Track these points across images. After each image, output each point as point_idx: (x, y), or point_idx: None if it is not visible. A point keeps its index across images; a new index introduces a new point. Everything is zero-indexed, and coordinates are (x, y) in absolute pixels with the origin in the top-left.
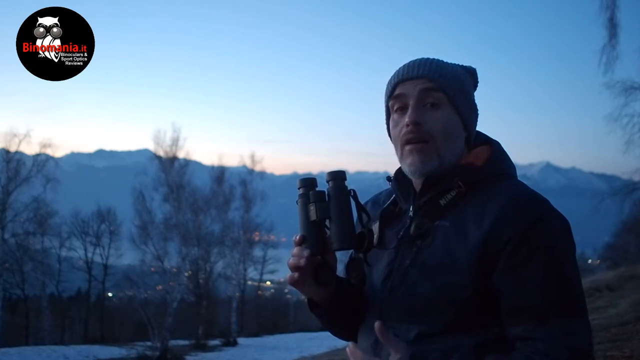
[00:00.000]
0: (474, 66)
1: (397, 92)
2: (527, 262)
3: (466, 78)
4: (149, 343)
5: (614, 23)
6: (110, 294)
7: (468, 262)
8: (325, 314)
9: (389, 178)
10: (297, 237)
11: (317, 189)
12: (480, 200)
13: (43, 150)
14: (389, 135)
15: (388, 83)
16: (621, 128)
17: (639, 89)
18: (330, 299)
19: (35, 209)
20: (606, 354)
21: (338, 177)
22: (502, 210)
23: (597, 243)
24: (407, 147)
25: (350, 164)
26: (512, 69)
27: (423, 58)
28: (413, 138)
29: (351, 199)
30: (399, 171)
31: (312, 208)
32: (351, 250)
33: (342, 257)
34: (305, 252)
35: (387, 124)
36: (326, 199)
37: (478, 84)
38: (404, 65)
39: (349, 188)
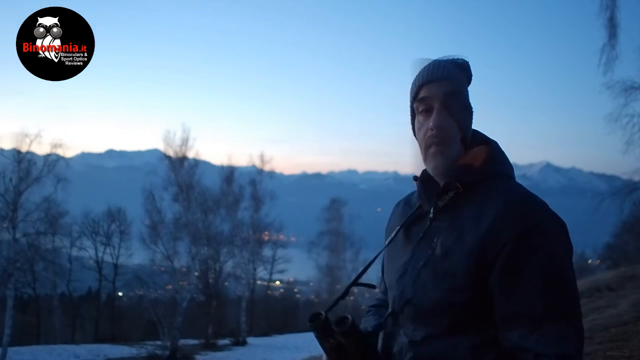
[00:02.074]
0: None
1: (421, 94)
2: (523, 266)
3: (458, 76)
4: (159, 342)
5: (613, 23)
6: (120, 294)
7: (466, 265)
8: None
9: (415, 178)
10: None
11: (328, 333)
12: (477, 202)
13: (54, 151)
14: (415, 135)
15: (412, 84)
16: (621, 128)
17: (639, 89)
18: None
19: (46, 209)
20: (606, 354)
21: (348, 328)
22: (500, 213)
23: (597, 243)
24: (432, 150)
25: (360, 164)
26: (511, 69)
27: (443, 59)
28: (438, 141)
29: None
30: (425, 172)
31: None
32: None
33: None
34: None
35: (412, 124)
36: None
37: (471, 77)
38: (427, 66)
39: (350, 319)
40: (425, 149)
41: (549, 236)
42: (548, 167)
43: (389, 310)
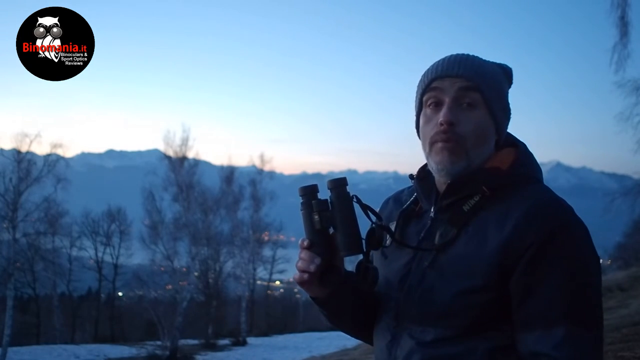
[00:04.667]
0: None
1: (433, 86)
2: (545, 269)
3: (503, 79)
4: (158, 342)
5: (625, 21)
6: (120, 294)
7: (487, 267)
8: (329, 306)
9: (411, 176)
10: (305, 242)
11: (318, 196)
12: (503, 205)
13: (54, 151)
14: (417, 129)
15: (424, 76)
16: (632, 127)
17: None
18: (334, 296)
19: (46, 209)
20: (617, 354)
21: (339, 184)
22: (525, 215)
23: (608, 243)
24: (438, 145)
25: (360, 164)
26: (522, 66)
27: (463, 55)
28: (445, 137)
29: (355, 204)
30: (422, 170)
31: (316, 218)
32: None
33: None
34: (316, 261)
35: (417, 117)
36: (329, 207)
37: (512, 84)
38: (442, 60)
39: (351, 194)
40: (431, 144)
41: (574, 240)
42: (558, 167)
43: (390, 312)
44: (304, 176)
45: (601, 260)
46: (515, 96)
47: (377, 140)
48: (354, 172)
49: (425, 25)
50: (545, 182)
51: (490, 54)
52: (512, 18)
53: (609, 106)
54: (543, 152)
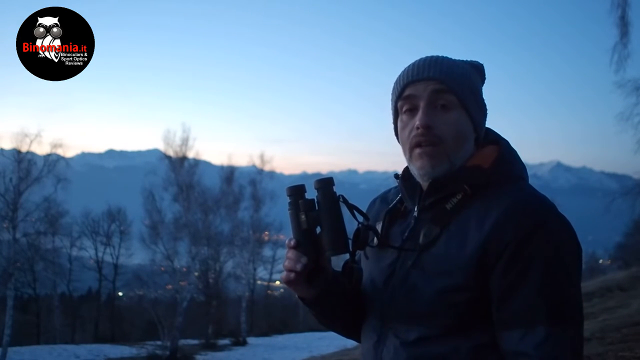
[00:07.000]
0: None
1: (406, 93)
2: (524, 267)
3: (475, 76)
4: (159, 342)
5: (625, 21)
6: (120, 294)
7: (467, 265)
8: (317, 307)
9: (396, 176)
10: (292, 242)
11: (305, 196)
12: (484, 203)
13: (54, 150)
14: (396, 135)
15: (396, 83)
16: (632, 127)
17: None
18: (322, 296)
19: (46, 209)
20: (617, 354)
21: (325, 184)
22: (504, 213)
23: (608, 243)
24: (417, 151)
25: (360, 163)
26: (523, 66)
27: (432, 57)
28: (423, 141)
29: (342, 204)
30: (407, 170)
31: (302, 217)
32: (346, 255)
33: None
34: (303, 260)
35: (395, 124)
36: (316, 207)
37: (485, 80)
38: (413, 65)
39: (337, 194)
40: (411, 149)
41: (554, 238)
42: (559, 167)
43: (376, 312)
44: (304, 176)
45: (601, 261)
46: (516, 96)
47: (377, 140)
48: (354, 172)
49: (426, 25)
50: (545, 182)
51: (491, 53)
52: (512, 17)
53: (610, 106)
54: (543, 152)
